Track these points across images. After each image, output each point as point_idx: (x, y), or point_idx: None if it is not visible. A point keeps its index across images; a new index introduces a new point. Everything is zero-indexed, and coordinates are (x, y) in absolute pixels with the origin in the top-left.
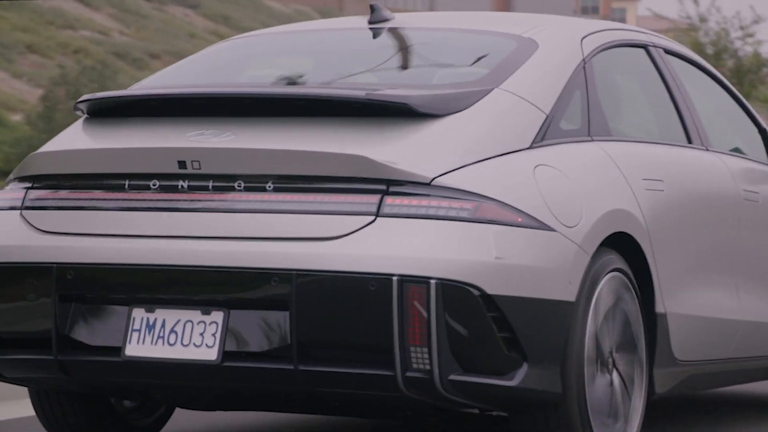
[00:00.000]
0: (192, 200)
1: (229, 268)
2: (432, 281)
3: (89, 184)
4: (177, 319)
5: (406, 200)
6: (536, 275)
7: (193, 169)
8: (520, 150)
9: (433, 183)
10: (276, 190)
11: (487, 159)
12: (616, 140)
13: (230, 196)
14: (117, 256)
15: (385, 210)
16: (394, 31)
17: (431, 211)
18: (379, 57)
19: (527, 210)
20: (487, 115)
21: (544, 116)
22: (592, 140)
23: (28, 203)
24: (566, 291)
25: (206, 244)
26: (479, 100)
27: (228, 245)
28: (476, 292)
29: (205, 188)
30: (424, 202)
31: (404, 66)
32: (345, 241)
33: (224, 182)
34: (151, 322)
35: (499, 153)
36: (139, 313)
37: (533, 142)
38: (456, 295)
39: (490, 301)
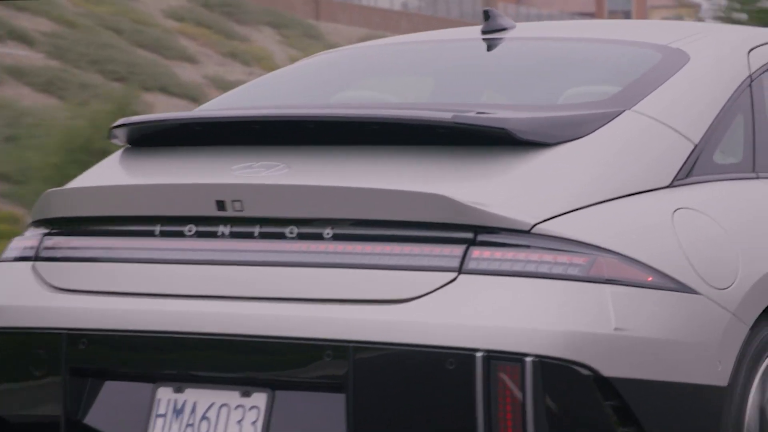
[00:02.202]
0: (233, 251)
1: (274, 337)
2: (528, 359)
3: (114, 230)
4: (211, 402)
5: (497, 252)
6: (672, 352)
7: (235, 210)
8: (656, 189)
9: (533, 230)
10: (335, 238)
11: (608, 200)
12: None
13: (280, 245)
14: (140, 321)
15: (471, 265)
16: (511, 43)
17: (530, 267)
18: (491, 73)
19: (660, 266)
20: (612, 144)
21: (692, 146)
22: (758, 177)
23: (42, 253)
24: (714, 373)
25: (247, 306)
26: (604, 125)
27: (274, 309)
28: (587, 373)
29: (250, 235)
30: (522, 255)
31: (518, 84)
32: (417, 304)
33: (273, 227)
34: (179, 406)
35: (627, 193)
36: (165, 394)
37: (675, 179)
38: (560, 378)
39: (606, 385)
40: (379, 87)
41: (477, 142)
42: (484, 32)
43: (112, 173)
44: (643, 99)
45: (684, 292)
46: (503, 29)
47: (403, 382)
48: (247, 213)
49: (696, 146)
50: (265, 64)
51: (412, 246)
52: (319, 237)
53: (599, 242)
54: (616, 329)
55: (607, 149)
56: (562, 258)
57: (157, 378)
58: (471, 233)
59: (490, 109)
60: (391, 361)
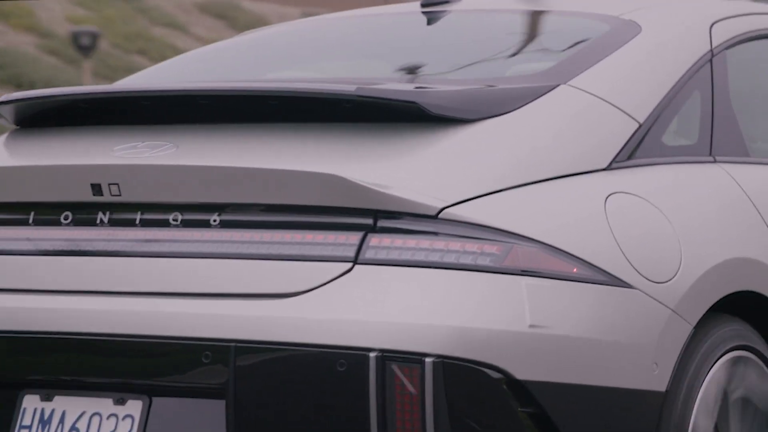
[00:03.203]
0: (110, 240)
1: (150, 337)
2: (428, 360)
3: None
4: (81, 410)
5: (398, 240)
6: (599, 353)
7: (112, 195)
8: (590, 172)
9: (441, 215)
10: (223, 225)
11: (531, 183)
12: (751, 163)
13: (162, 234)
14: (2, 319)
15: (368, 254)
16: (450, 16)
17: (434, 257)
18: (423, 49)
19: (588, 257)
20: (540, 122)
21: (636, 125)
22: (715, 161)
23: None
24: (650, 377)
25: (122, 303)
26: (532, 100)
27: (150, 305)
28: (498, 376)
29: (131, 223)
30: (426, 242)
31: (450, 59)
32: (307, 298)
33: (155, 214)
34: (46, 416)
35: (554, 175)
36: (31, 402)
37: (614, 161)
38: (465, 381)
39: (520, 389)
40: (307, 65)
41: (387, 119)
42: (423, 5)
43: None
44: (581, 73)
45: (615, 285)
46: (445, 2)
47: (290, 387)
48: (126, 198)
49: (641, 125)
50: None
51: (304, 233)
52: (206, 224)
53: (516, 229)
54: (531, 326)
55: (533, 127)
56: (472, 246)
57: (22, 384)
58: (370, 219)
59: (409, 84)
60: (276, 362)
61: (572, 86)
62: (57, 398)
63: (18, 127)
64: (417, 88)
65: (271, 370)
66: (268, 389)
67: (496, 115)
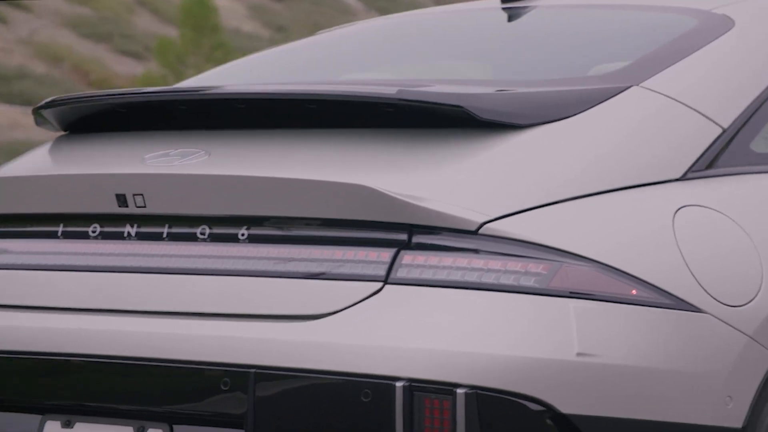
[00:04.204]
0: (135, 255)
1: (169, 361)
2: (459, 391)
3: (16, 232)
4: None
5: (433, 258)
6: (661, 385)
7: (137, 206)
8: (659, 182)
9: (481, 231)
10: (251, 239)
11: (588, 195)
12: None
13: (189, 249)
14: (25, 340)
15: (400, 273)
16: (530, 13)
17: (472, 276)
18: (498, 48)
19: (650, 278)
20: (605, 127)
21: (719, 130)
22: None
23: None
24: (723, 412)
25: (143, 323)
26: (597, 104)
27: (171, 326)
28: (539, 409)
29: (158, 236)
30: (463, 261)
31: (523, 59)
32: (332, 321)
33: (184, 228)
34: None
35: (618, 186)
36: (52, 429)
37: (690, 170)
38: (502, 415)
39: (565, 424)
40: (385, 66)
41: (432, 125)
42: (503, 1)
43: (26, 164)
44: (657, 73)
45: (681, 309)
46: None
47: (312, 418)
48: (151, 209)
49: (725, 131)
50: None
51: (333, 250)
52: (234, 239)
53: (566, 246)
54: (579, 354)
55: (595, 133)
56: (515, 265)
57: (45, 410)
58: (404, 234)
59: (457, 86)
60: (297, 390)
61: (646, 88)
62: (78, 425)
63: (65, 133)
64: (465, 90)
65: (291, 399)
66: (289, 420)
67: (553, 120)
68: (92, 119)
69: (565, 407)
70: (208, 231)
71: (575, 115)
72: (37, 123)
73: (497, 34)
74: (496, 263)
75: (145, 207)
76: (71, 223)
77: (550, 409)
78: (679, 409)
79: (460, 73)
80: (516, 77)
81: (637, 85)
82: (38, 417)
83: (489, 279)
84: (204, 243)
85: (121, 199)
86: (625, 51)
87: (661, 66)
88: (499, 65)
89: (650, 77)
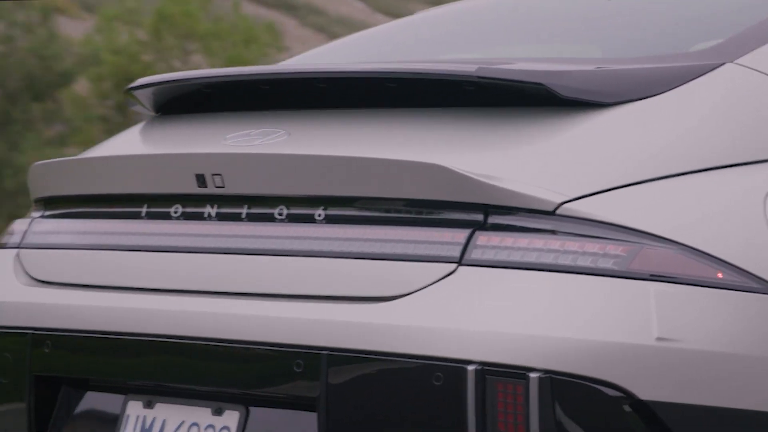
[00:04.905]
0: (214, 236)
1: (246, 342)
2: (533, 375)
3: (102, 212)
4: (180, 420)
5: (509, 239)
6: (747, 371)
7: (216, 186)
8: (751, 162)
9: (559, 211)
10: (327, 220)
11: (674, 176)
12: None
13: (266, 229)
14: (109, 320)
15: (474, 254)
16: None
17: (548, 258)
18: (594, 26)
19: (737, 260)
20: (695, 105)
21: None
22: None
23: (28, 239)
24: None
25: (221, 304)
26: (688, 81)
27: (248, 306)
28: (617, 395)
29: (236, 217)
30: (539, 242)
31: (618, 36)
32: (404, 303)
33: (262, 208)
34: (147, 425)
35: (705, 166)
36: (134, 409)
37: None
38: (578, 401)
39: (644, 411)
40: (486, 46)
41: (514, 103)
42: None
43: (116, 145)
44: (754, 49)
45: None
46: None
47: (383, 400)
48: (229, 189)
49: None
50: None
51: (407, 230)
52: (311, 219)
53: (648, 227)
54: (659, 339)
55: (684, 112)
56: (593, 246)
57: (127, 389)
58: (480, 214)
59: (539, 63)
60: (369, 373)
61: (740, 65)
62: (158, 406)
63: (156, 114)
64: (547, 67)
65: (363, 382)
66: (361, 403)
67: (639, 99)
68: (180, 100)
69: (645, 393)
70: (285, 211)
71: (662, 93)
72: (130, 105)
73: (595, 12)
74: (573, 244)
75: (223, 187)
76: (155, 204)
77: (628, 396)
78: (765, 398)
79: (556, 51)
80: (605, 55)
81: (731, 62)
82: (121, 397)
83: (566, 261)
84: (281, 223)
85: (200, 179)
86: (719, 28)
87: (760, 42)
88: (592, 43)
89: (746, 53)
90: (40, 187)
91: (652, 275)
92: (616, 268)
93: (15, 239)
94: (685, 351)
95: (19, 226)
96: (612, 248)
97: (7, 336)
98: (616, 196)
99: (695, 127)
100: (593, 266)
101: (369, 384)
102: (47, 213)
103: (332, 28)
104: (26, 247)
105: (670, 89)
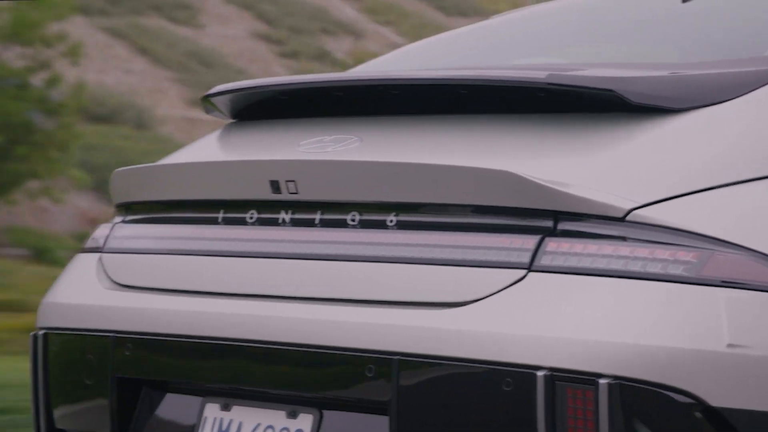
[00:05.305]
0: (288, 241)
1: (319, 347)
2: (602, 381)
3: (180, 218)
4: (256, 423)
5: (578, 245)
6: None
7: (289, 193)
8: None
9: (629, 218)
10: (399, 226)
11: (748, 181)
12: None
13: (339, 235)
14: (187, 323)
15: (544, 260)
16: None
17: (617, 264)
18: (671, 30)
19: None
20: (766, 111)
21: None
22: None
23: (110, 244)
24: None
25: (296, 309)
26: (760, 86)
27: (321, 312)
28: (687, 402)
29: (310, 223)
30: (608, 248)
31: (700, 40)
32: (474, 309)
33: (335, 214)
34: (224, 427)
35: None
36: (212, 411)
37: None
38: (647, 407)
39: (715, 418)
40: (561, 50)
41: (584, 110)
42: None
43: (194, 152)
44: None
45: None
46: None
47: (454, 406)
48: (303, 196)
49: None
50: None
51: (476, 237)
52: (382, 225)
53: (719, 233)
54: (730, 346)
55: (755, 117)
56: (663, 253)
57: (205, 392)
58: (549, 221)
59: (610, 69)
60: (439, 378)
61: None
62: (235, 408)
63: (233, 120)
64: (618, 73)
65: (434, 387)
66: (431, 407)
67: (710, 104)
68: (256, 107)
69: (716, 400)
70: (357, 217)
71: (733, 98)
72: (207, 111)
73: (673, 15)
74: (643, 251)
75: (297, 193)
76: (231, 209)
77: (699, 402)
78: None
79: (632, 55)
80: (683, 58)
81: None
82: (199, 399)
83: (635, 267)
84: (353, 229)
85: (275, 186)
86: None
87: None
88: (668, 47)
89: None
90: (122, 193)
91: (722, 281)
92: (686, 274)
93: (97, 244)
94: (757, 357)
95: (101, 231)
96: (682, 254)
97: (90, 338)
98: (686, 202)
99: (766, 133)
100: (663, 272)
101: (439, 389)
102: (128, 218)
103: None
104: (108, 252)
105: (741, 95)
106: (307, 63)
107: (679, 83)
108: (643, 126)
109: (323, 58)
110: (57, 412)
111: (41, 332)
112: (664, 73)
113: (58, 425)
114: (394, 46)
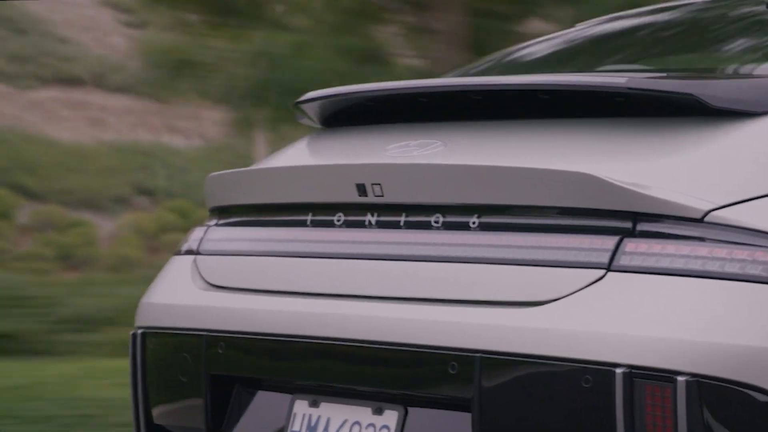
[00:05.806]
0: (375, 243)
1: (404, 345)
2: (680, 378)
3: (271, 221)
4: (343, 419)
5: (656, 245)
6: None
7: (375, 195)
8: None
9: (707, 219)
10: (481, 227)
11: None
12: None
13: (423, 237)
14: (277, 323)
15: (623, 260)
16: None
17: (695, 264)
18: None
19: None
20: None
21: None
22: None
23: (204, 246)
24: None
25: (382, 308)
26: None
27: (406, 311)
28: (764, 399)
29: (395, 225)
30: (686, 248)
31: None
32: (554, 307)
33: (419, 216)
34: (313, 423)
35: None
36: (301, 408)
37: None
38: (724, 404)
39: None
40: (643, 58)
41: (662, 114)
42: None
43: (284, 157)
44: None
45: None
46: None
47: (534, 402)
48: (388, 198)
49: None
50: None
51: (556, 237)
52: (465, 227)
53: None
54: None
55: None
56: (741, 253)
57: (295, 389)
58: (628, 222)
59: (689, 74)
60: (520, 375)
61: None
62: (323, 405)
63: (322, 127)
64: (697, 78)
65: (515, 384)
66: (512, 404)
67: None
68: (344, 113)
69: None
70: (441, 219)
71: None
72: (298, 118)
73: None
74: (721, 251)
75: (382, 196)
76: (319, 212)
77: None
78: None
79: (718, 62)
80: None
81: None
82: (289, 396)
83: (713, 267)
84: (437, 231)
85: (361, 189)
86: None
87: None
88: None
89: None
90: (215, 197)
91: None
92: (764, 274)
93: (192, 246)
94: None
95: (196, 233)
96: (761, 255)
97: (185, 337)
98: (763, 204)
99: None
100: (741, 272)
101: (520, 386)
102: (221, 221)
103: None
104: (202, 254)
105: None
106: (156, 33)
107: (757, 88)
108: (722, 129)
109: (176, 28)
110: (155, 409)
111: (139, 331)
112: (743, 77)
113: (157, 421)
114: None
